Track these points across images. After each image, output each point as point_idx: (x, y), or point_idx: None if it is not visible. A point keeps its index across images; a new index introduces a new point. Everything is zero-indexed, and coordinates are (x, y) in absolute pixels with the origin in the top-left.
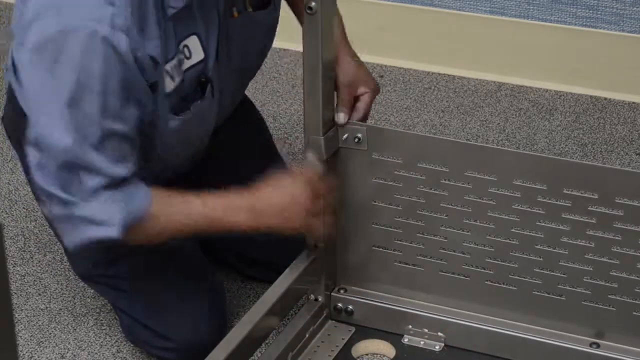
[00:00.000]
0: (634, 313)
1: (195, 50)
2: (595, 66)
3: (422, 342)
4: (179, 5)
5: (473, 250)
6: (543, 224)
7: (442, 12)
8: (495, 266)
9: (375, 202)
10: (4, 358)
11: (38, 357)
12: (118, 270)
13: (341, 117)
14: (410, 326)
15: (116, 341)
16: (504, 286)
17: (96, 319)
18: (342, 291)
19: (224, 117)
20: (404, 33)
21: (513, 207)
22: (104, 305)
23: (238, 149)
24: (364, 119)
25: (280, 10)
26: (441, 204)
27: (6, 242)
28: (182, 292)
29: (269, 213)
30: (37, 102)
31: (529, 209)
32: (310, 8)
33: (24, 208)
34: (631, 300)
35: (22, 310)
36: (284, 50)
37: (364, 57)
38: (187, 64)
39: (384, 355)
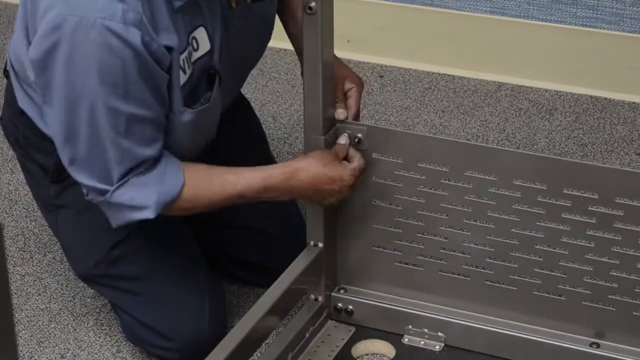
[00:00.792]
0: (634, 313)
1: (202, 42)
2: (595, 66)
3: (422, 342)
4: None
5: (473, 250)
6: (543, 224)
7: (442, 12)
8: (495, 266)
9: (375, 202)
10: (4, 358)
11: (38, 357)
12: (118, 270)
13: (340, 113)
14: (410, 326)
15: (116, 341)
16: (504, 286)
17: (96, 319)
18: (342, 291)
19: (224, 110)
20: (404, 33)
21: (513, 207)
22: (104, 305)
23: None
24: (357, 115)
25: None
26: (441, 204)
27: (6, 242)
28: (182, 292)
29: (303, 191)
30: (59, 98)
31: (529, 209)
32: (310, 8)
33: (24, 208)
34: (631, 300)
35: (22, 310)
36: (284, 50)
37: (364, 57)
38: (195, 55)
39: (384, 355)
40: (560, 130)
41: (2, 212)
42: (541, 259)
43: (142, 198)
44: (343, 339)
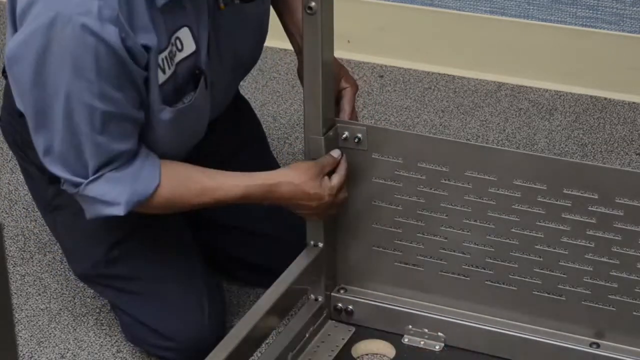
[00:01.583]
0: (634, 313)
1: (186, 42)
2: (595, 66)
3: (422, 342)
4: None
5: (473, 250)
6: (543, 224)
7: (442, 12)
8: (495, 266)
9: (375, 202)
10: (4, 358)
11: (38, 357)
12: (117, 270)
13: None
14: (410, 326)
15: (116, 341)
16: (504, 286)
17: (96, 319)
18: (342, 291)
19: (217, 112)
20: (404, 33)
21: (513, 207)
22: (104, 305)
23: (232, 152)
24: (353, 114)
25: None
26: (441, 204)
27: (6, 242)
28: (182, 292)
29: (282, 203)
30: (31, 91)
31: (529, 209)
32: (310, 8)
33: (24, 208)
34: (631, 300)
35: (22, 310)
36: (284, 50)
37: (364, 57)
38: (180, 56)
39: (384, 355)
40: (560, 130)
41: (2, 212)
42: (541, 259)
43: (114, 194)
44: (343, 339)
